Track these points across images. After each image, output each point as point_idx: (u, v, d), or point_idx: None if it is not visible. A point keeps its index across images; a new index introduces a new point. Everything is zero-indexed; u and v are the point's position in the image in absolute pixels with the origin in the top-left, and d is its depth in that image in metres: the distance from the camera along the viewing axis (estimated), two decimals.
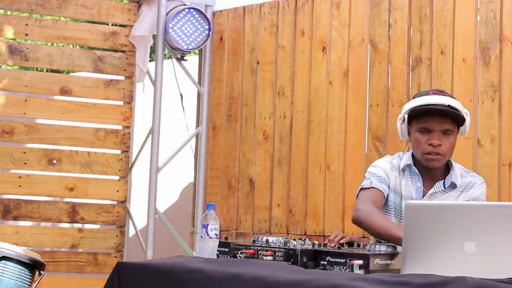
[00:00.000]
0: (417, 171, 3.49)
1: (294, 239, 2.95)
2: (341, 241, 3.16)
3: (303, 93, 4.91)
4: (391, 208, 3.54)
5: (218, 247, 3.05)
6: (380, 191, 3.50)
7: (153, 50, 5.27)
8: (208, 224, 3.04)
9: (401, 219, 3.50)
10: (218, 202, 5.23)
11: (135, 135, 5.46)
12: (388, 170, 3.55)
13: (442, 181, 3.47)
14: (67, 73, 5.96)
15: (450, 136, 3.40)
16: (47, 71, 6.67)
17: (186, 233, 5.43)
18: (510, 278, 2.31)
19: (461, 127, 3.44)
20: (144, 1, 5.20)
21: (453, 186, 3.45)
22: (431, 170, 3.48)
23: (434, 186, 3.46)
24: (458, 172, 3.49)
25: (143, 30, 5.15)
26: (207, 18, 5.09)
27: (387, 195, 3.52)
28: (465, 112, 3.43)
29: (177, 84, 5.37)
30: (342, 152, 4.69)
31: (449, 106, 3.39)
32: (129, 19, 5.21)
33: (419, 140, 3.44)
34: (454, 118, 3.39)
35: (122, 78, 5.19)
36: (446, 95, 3.45)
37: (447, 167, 3.51)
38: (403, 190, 3.52)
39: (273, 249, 2.87)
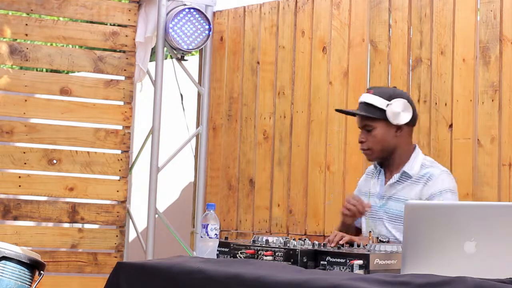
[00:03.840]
0: (379, 166, 3.72)
1: (294, 239, 2.95)
2: (341, 242, 3.16)
3: (303, 93, 4.91)
4: (369, 212, 3.69)
5: (218, 247, 3.05)
6: None
7: (153, 50, 5.28)
8: (208, 224, 3.04)
9: (371, 218, 3.69)
10: (218, 202, 5.23)
11: (135, 135, 5.46)
12: (362, 183, 3.83)
13: (400, 172, 3.62)
14: (67, 73, 5.95)
15: (373, 131, 3.61)
16: (47, 71, 6.67)
17: (186, 233, 5.43)
18: (510, 278, 2.30)
19: (391, 118, 3.58)
20: (144, 1, 5.21)
21: (407, 175, 3.59)
22: (388, 164, 3.68)
23: (394, 176, 3.62)
24: (417, 163, 3.61)
25: (147, 31, 5.15)
26: (207, 18, 5.10)
27: None
28: (387, 103, 3.57)
29: (177, 84, 5.38)
30: (342, 152, 4.70)
31: (364, 103, 3.61)
32: (129, 19, 5.21)
33: None
34: (368, 112, 3.59)
35: (122, 78, 5.19)
36: (370, 92, 3.64)
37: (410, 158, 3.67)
38: (371, 188, 3.73)
39: (273, 249, 2.87)
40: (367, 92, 3.65)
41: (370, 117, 3.59)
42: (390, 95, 3.59)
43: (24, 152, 4.98)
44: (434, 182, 3.53)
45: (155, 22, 5.10)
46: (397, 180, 3.60)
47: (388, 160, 3.66)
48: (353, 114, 3.75)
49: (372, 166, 3.80)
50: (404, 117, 3.58)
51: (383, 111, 3.56)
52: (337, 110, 4.01)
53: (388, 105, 3.56)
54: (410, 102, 3.63)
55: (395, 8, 4.51)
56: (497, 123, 4.06)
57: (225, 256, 3.02)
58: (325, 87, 4.80)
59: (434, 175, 3.55)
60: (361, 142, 3.64)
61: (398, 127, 3.59)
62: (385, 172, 3.69)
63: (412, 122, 3.63)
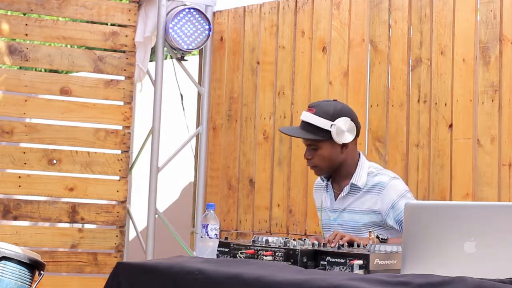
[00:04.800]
0: (326, 180, 3.73)
1: (294, 239, 2.95)
2: (341, 242, 3.16)
3: (303, 93, 4.91)
4: (324, 226, 3.76)
5: (218, 247, 3.05)
6: None
7: (153, 50, 5.27)
8: (208, 224, 3.05)
9: (326, 231, 3.75)
10: (218, 202, 5.23)
11: (135, 135, 5.45)
12: (314, 197, 3.86)
13: (349, 185, 3.65)
14: (67, 73, 5.95)
15: (318, 150, 3.62)
16: (46, 71, 6.67)
17: (186, 233, 5.43)
18: (510, 278, 2.30)
19: (336, 139, 3.59)
20: (144, 1, 5.20)
21: (356, 187, 3.63)
22: (336, 176, 3.70)
23: (344, 189, 3.64)
24: (364, 173, 3.64)
25: (146, 31, 5.15)
26: (207, 18, 5.10)
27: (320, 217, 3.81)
28: (331, 123, 3.56)
29: (177, 84, 5.38)
30: None
31: (305, 123, 3.61)
32: (129, 19, 5.20)
33: None
34: (312, 133, 3.59)
35: (122, 78, 5.19)
36: (311, 111, 3.62)
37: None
38: (323, 202, 3.76)
39: (273, 249, 2.87)
40: (309, 111, 3.64)
41: (315, 139, 3.61)
42: (333, 114, 3.59)
43: (24, 152, 4.98)
44: (387, 191, 3.58)
45: (154, 22, 5.10)
46: (348, 193, 3.64)
47: (334, 173, 3.70)
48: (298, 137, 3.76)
49: (318, 180, 3.83)
50: (349, 136, 3.61)
51: (327, 132, 3.58)
52: (280, 130, 3.97)
53: (332, 125, 3.57)
54: (353, 117, 3.64)
55: (395, 8, 4.51)
56: (497, 123, 4.06)
57: (225, 256, 3.02)
58: (325, 87, 4.80)
59: (384, 183, 3.59)
60: (307, 159, 3.66)
61: (344, 144, 3.62)
62: (332, 185, 3.72)
63: (357, 135, 3.66)
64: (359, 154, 3.70)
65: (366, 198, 3.60)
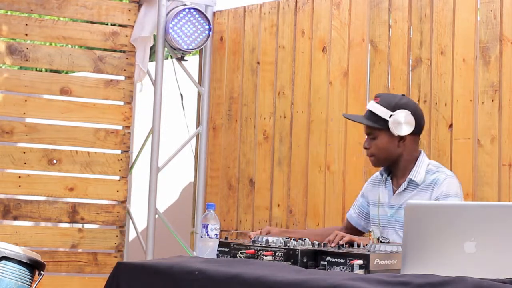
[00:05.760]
0: (385, 174, 3.71)
1: (294, 239, 2.95)
2: (341, 242, 3.16)
3: (303, 93, 4.91)
4: (375, 221, 3.72)
5: (218, 247, 3.06)
6: (349, 221, 3.88)
7: (153, 50, 5.28)
8: (208, 224, 3.05)
9: (383, 227, 3.69)
10: (218, 202, 5.23)
11: (135, 135, 5.45)
12: (368, 190, 3.81)
13: (406, 181, 3.63)
14: (67, 73, 5.95)
15: (376, 139, 3.63)
16: (46, 71, 6.67)
17: (186, 233, 5.43)
18: (510, 278, 2.30)
19: (392, 129, 3.60)
20: (144, 1, 5.21)
21: (414, 183, 3.60)
22: (395, 171, 3.68)
23: (402, 185, 3.62)
24: (422, 169, 3.61)
25: (144, 31, 5.15)
26: (207, 18, 5.10)
27: (368, 211, 3.77)
28: (390, 113, 3.57)
29: (177, 84, 5.38)
30: (342, 152, 4.69)
31: (368, 111, 3.64)
32: (129, 19, 5.21)
33: None
34: (372, 121, 3.62)
35: (122, 78, 5.19)
36: (376, 100, 3.65)
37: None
38: (380, 198, 3.71)
39: (273, 249, 2.87)
40: (374, 100, 3.66)
41: (373, 126, 3.62)
42: (394, 105, 3.60)
43: (24, 152, 4.98)
44: (439, 187, 3.54)
45: (153, 22, 5.10)
46: (405, 189, 3.60)
47: (393, 168, 3.68)
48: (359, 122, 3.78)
49: (377, 174, 3.80)
50: (406, 129, 3.59)
51: (385, 121, 3.58)
52: (344, 116, 3.98)
53: (391, 116, 3.57)
54: (415, 112, 3.62)
55: (395, 8, 4.51)
56: (497, 123, 4.06)
57: (225, 256, 3.02)
58: (325, 87, 4.80)
59: (440, 180, 3.55)
60: (365, 148, 3.68)
61: (401, 137, 3.60)
62: (392, 181, 3.70)
63: (416, 131, 3.63)
64: (420, 152, 3.68)
65: (422, 195, 3.57)
